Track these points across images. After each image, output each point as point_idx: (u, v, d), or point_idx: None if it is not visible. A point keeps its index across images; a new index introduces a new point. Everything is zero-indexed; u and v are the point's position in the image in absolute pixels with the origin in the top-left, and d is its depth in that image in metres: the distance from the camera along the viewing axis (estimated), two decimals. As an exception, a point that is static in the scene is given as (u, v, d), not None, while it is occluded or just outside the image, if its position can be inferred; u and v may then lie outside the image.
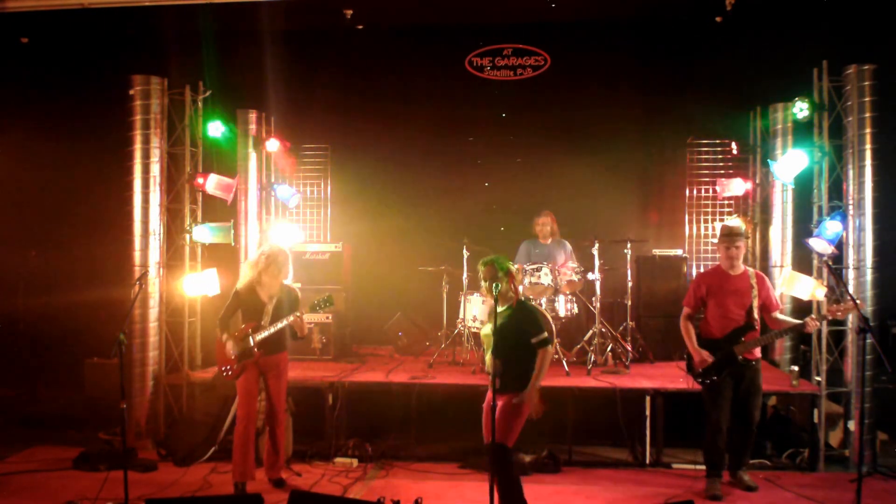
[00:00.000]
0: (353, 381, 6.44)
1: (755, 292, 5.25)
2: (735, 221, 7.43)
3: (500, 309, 4.42)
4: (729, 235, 5.36)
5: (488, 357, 4.51)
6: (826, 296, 6.15)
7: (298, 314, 5.28)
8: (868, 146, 6.05)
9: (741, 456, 5.48)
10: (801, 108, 6.33)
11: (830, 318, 5.04)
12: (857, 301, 5.08)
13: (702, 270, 8.04)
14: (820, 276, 6.30)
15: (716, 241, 7.88)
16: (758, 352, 5.35)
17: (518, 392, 4.42)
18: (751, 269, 5.44)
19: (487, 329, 4.53)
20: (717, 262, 5.54)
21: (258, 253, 5.51)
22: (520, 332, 4.49)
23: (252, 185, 7.60)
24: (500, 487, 4.36)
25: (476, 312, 7.08)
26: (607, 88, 8.35)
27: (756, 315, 5.26)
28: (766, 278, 5.48)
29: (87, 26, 7.97)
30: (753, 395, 5.32)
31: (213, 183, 6.94)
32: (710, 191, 8.04)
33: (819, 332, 6.03)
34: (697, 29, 8.01)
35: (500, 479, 4.35)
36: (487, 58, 8.60)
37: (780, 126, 7.01)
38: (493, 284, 4.40)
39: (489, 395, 4.51)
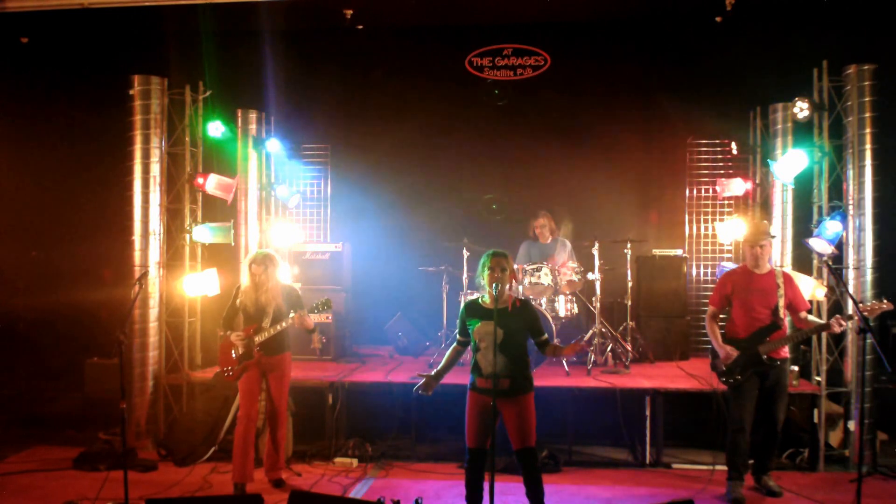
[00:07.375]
0: (353, 381, 6.44)
1: (781, 291, 5.20)
2: (737, 220, 7.43)
3: (499, 307, 4.40)
4: (755, 235, 5.30)
5: (483, 356, 4.40)
6: (826, 296, 6.15)
7: (293, 314, 5.30)
8: (868, 146, 6.06)
9: (765, 459, 5.42)
10: (801, 108, 6.33)
11: (861, 316, 4.81)
12: (885, 301, 4.97)
13: (701, 269, 8.09)
14: (820, 276, 6.30)
15: (716, 241, 7.93)
16: (785, 351, 5.26)
17: (530, 392, 4.44)
18: (778, 269, 5.41)
19: (483, 325, 4.40)
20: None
21: (248, 258, 5.49)
22: (528, 331, 4.49)
23: (252, 185, 7.59)
24: (535, 488, 4.41)
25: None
26: (607, 88, 8.35)
27: (782, 315, 5.21)
28: (794, 278, 5.42)
29: (87, 26, 7.96)
30: (779, 394, 5.27)
31: (213, 183, 6.94)
32: (710, 191, 8.04)
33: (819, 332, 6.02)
34: (697, 29, 8.00)
35: (535, 479, 4.40)
36: (487, 58, 8.59)
37: (780, 126, 7.00)
38: (494, 284, 4.39)
39: (475, 396, 4.45)
